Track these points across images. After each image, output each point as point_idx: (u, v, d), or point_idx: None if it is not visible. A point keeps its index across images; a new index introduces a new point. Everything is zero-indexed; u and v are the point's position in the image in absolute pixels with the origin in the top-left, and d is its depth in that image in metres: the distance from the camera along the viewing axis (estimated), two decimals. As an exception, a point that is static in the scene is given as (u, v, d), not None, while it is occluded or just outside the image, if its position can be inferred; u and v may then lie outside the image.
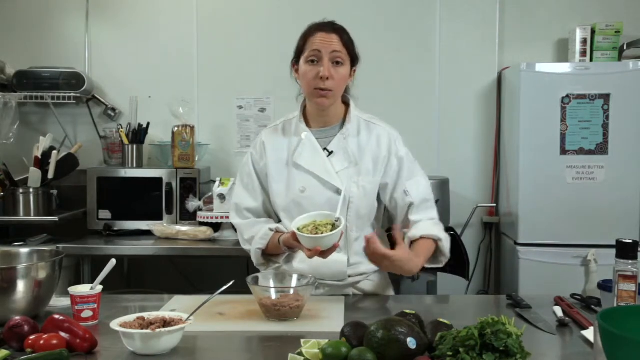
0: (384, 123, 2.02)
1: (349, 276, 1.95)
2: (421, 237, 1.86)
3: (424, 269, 1.90)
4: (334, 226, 1.74)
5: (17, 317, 1.45)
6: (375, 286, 2.00)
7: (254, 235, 1.94)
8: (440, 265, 1.94)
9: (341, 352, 1.25)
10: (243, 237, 2.00)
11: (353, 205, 1.90)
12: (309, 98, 1.93)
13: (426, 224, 1.91)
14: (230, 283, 1.63)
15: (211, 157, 3.51)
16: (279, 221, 2.00)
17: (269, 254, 1.95)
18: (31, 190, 3.05)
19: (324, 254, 1.73)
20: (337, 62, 1.86)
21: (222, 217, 2.99)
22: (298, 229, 1.72)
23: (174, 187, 3.15)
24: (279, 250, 1.89)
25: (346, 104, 2.00)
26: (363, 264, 1.95)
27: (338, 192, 1.88)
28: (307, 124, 1.98)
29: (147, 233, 3.10)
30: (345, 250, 1.92)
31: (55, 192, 3.20)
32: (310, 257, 1.73)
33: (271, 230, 1.91)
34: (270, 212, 2.03)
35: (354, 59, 1.93)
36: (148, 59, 3.54)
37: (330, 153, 1.94)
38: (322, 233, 1.70)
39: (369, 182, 1.93)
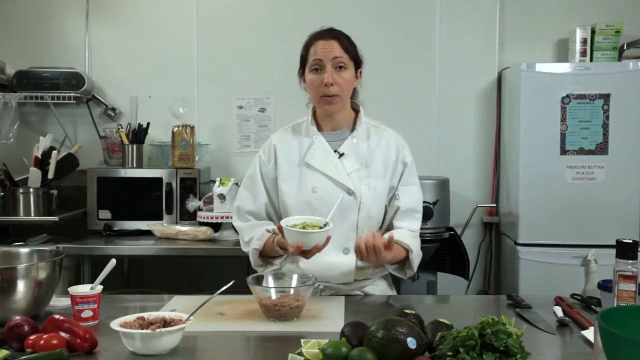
0: (392, 130, 2.06)
1: (355, 280, 1.96)
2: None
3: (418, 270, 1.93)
4: (320, 228, 1.74)
5: (17, 317, 1.46)
6: (379, 291, 2.01)
7: (252, 237, 1.94)
8: (404, 278, 1.98)
9: (341, 352, 1.25)
10: (243, 240, 2.00)
11: (364, 207, 1.92)
12: (317, 106, 1.98)
13: (404, 232, 1.94)
14: (230, 283, 1.63)
15: (211, 157, 3.50)
16: None
17: (267, 256, 1.95)
18: (31, 190, 3.05)
19: (307, 253, 1.74)
20: (340, 67, 1.90)
21: (222, 217, 2.99)
22: (287, 225, 1.74)
23: (174, 187, 3.15)
24: (274, 251, 1.89)
25: (355, 110, 2.04)
26: (370, 268, 1.97)
27: (349, 192, 1.91)
28: (318, 128, 2.01)
29: (147, 233, 3.10)
30: (353, 252, 1.93)
31: (55, 192, 3.19)
32: (293, 254, 1.75)
33: (268, 231, 1.92)
34: (271, 215, 2.04)
35: (357, 62, 1.96)
36: (148, 59, 3.54)
37: (341, 155, 1.96)
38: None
39: (380, 184, 1.96)
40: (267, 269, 1.95)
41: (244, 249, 2.01)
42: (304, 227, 1.74)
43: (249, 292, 1.71)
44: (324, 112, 1.97)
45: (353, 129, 2.00)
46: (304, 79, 1.97)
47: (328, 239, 1.74)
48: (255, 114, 3.55)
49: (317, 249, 1.73)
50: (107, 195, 3.16)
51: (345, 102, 1.96)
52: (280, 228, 1.76)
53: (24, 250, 1.85)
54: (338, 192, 1.92)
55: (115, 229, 3.15)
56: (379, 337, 1.26)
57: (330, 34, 1.93)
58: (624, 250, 1.54)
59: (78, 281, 2.98)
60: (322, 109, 1.96)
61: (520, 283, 3.05)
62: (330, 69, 1.88)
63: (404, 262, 1.94)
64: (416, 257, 1.92)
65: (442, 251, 3.10)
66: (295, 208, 1.94)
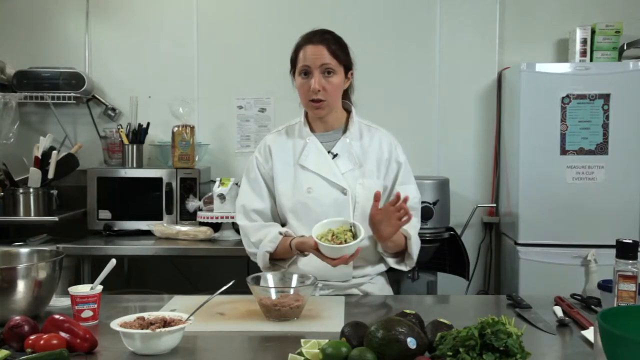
0: (384, 129, 2.08)
1: (353, 277, 1.97)
2: None
3: (415, 268, 1.92)
4: (350, 231, 1.77)
5: (17, 317, 1.46)
6: (377, 289, 2.02)
7: (262, 238, 1.94)
8: (405, 269, 1.98)
9: (341, 352, 1.25)
10: (249, 240, 1.99)
11: (359, 206, 1.94)
12: (306, 108, 2.00)
13: None
14: (230, 283, 1.63)
15: (211, 157, 3.51)
16: (284, 226, 2.01)
17: (276, 258, 1.95)
18: (31, 190, 3.05)
19: (347, 260, 1.76)
20: (328, 72, 1.90)
21: (222, 217, 2.99)
22: (320, 238, 1.74)
23: (174, 187, 3.15)
24: (288, 254, 1.90)
25: (347, 110, 2.05)
26: (368, 266, 1.99)
27: (344, 192, 1.93)
28: (311, 129, 2.02)
29: (147, 233, 3.10)
30: None
31: (55, 192, 3.20)
32: (335, 265, 1.75)
33: (280, 234, 1.92)
34: (276, 217, 2.04)
35: (347, 66, 1.96)
36: (148, 59, 3.54)
37: (335, 155, 1.97)
38: (344, 241, 1.73)
39: (373, 183, 1.97)
40: (274, 270, 1.95)
41: (249, 249, 2.00)
42: (334, 235, 1.75)
43: (249, 292, 1.71)
44: (312, 116, 2.00)
45: (345, 129, 2.02)
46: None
47: (358, 250, 1.75)
48: (255, 114, 3.55)
49: (357, 253, 1.74)
50: (107, 195, 3.16)
51: (333, 106, 1.97)
52: (315, 244, 1.75)
53: (24, 250, 1.85)
54: (333, 192, 1.93)
55: (115, 229, 3.15)
56: (379, 337, 1.26)
57: (320, 38, 1.92)
58: (624, 250, 1.54)
59: (78, 281, 2.98)
60: (310, 112, 1.99)
61: (520, 283, 3.05)
62: (318, 74, 1.89)
63: (403, 253, 1.95)
64: (415, 244, 1.93)
65: (442, 251, 3.10)
66: (291, 208, 1.95)
